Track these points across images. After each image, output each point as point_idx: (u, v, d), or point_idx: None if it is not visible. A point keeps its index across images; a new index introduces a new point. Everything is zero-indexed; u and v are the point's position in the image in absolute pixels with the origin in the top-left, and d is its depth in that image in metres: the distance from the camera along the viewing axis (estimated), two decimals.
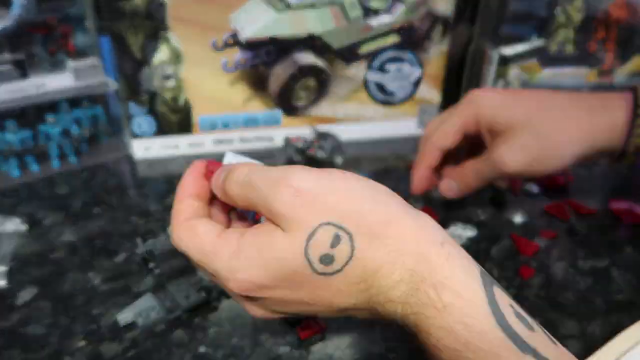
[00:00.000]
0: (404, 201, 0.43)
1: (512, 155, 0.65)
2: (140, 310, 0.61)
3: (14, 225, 0.78)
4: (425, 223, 0.41)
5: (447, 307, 0.36)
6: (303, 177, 0.41)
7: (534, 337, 0.36)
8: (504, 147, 0.65)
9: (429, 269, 0.38)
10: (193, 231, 0.46)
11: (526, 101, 0.66)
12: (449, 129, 0.68)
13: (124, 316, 0.61)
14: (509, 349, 0.35)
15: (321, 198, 0.40)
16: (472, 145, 0.72)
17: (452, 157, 0.74)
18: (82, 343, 0.59)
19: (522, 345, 0.35)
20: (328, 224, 0.39)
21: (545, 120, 0.64)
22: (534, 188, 0.84)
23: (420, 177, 0.73)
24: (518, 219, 0.79)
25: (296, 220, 0.40)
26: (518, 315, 0.37)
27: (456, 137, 0.69)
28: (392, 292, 0.39)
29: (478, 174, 0.69)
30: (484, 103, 0.67)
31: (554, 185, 0.87)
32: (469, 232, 0.75)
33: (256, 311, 0.47)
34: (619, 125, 0.64)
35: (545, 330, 0.39)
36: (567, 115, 0.64)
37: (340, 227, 0.39)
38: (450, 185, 0.72)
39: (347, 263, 0.39)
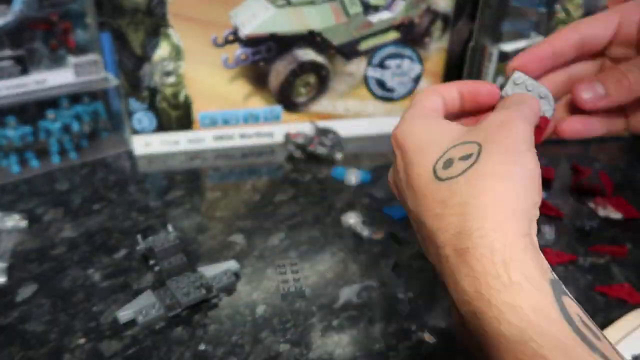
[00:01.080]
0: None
1: None
2: (140, 308, 0.62)
3: (14, 221, 0.78)
4: (529, 213, 0.38)
5: (514, 285, 0.34)
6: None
7: (602, 344, 0.33)
8: None
9: (503, 245, 0.35)
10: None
11: None
12: (599, 16, 0.51)
13: (124, 313, 0.61)
14: (578, 344, 0.32)
15: (509, 137, 0.40)
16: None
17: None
18: (81, 340, 0.59)
19: (591, 346, 0.32)
20: (479, 144, 0.40)
21: None
22: (542, 194, 0.84)
23: (534, 55, 0.52)
24: None
25: (477, 127, 0.42)
26: (585, 324, 0.34)
27: (608, 25, 0.51)
28: (457, 239, 0.37)
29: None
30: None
31: (545, 178, 0.88)
32: None
33: (390, 173, 0.49)
34: None
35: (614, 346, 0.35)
36: None
37: (478, 153, 0.39)
38: (597, 90, 0.50)
39: (450, 178, 0.39)
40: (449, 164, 0.40)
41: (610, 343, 0.34)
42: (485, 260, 0.35)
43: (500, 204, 0.36)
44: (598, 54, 0.53)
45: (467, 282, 0.36)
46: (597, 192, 0.85)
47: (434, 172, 0.41)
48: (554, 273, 0.36)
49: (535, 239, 0.37)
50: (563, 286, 0.35)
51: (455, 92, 0.49)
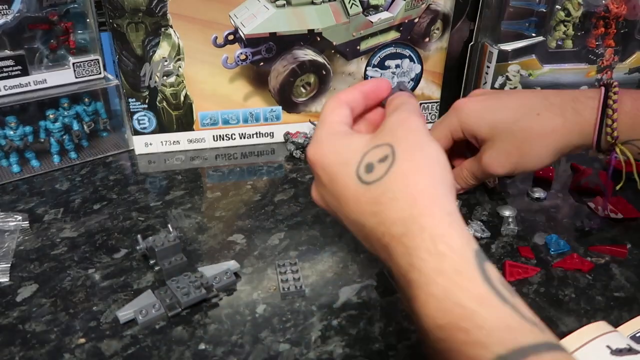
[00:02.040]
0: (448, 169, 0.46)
1: (497, 161, 0.71)
2: (140, 307, 0.62)
3: (16, 221, 0.78)
4: (447, 194, 0.44)
5: (440, 254, 0.39)
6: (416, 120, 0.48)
7: (516, 299, 0.38)
8: (489, 152, 0.71)
9: (432, 224, 0.41)
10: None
11: (504, 109, 0.71)
12: (436, 138, 0.66)
13: (124, 313, 0.61)
14: (491, 297, 0.37)
15: (411, 132, 0.47)
16: (469, 143, 0.76)
17: (459, 153, 0.80)
18: (82, 340, 0.59)
19: (504, 299, 0.38)
20: (390, 145, 0.45)
21: (522, 127, 0.69)
22: (542, 194, 0.84)
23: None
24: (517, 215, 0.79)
25: (381, 131, 0.48)
26: (503, 283, 0.39)
27: (445, 144, 0.75)
28: (393, 227, 0.42)
29: (472, 174, 0.76)
30: (466, 113, 0.72)
31: (544, 178, 0.89)
32: (482, 234, 0.76)
33: (313, 192, 0.54)
34: (589, 125, 0.68)
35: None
36: (542, 119, 0.68)
37: (393, 153, 0.44)
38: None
39: (376, 180, 0.44)
40: (370, 168, 0.45)
41: (521, 301, 0.39)
42: (417, 239, 0.41)
43: (424, 191, 0.42)
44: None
45: (402, 259, 0.41)
46: (597, 192, 0.84)
47: (359, 178, 0.46)
48: (477, 244, 0.41)
49: (458, 214, 0.43)
50: (484, 255, 0.41)
51: (357, 94, 0.54)
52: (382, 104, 0.55)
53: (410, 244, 0.41)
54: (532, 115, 0.68)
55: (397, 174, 0.43)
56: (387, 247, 0.43)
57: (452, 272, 0.39)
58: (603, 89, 0.67)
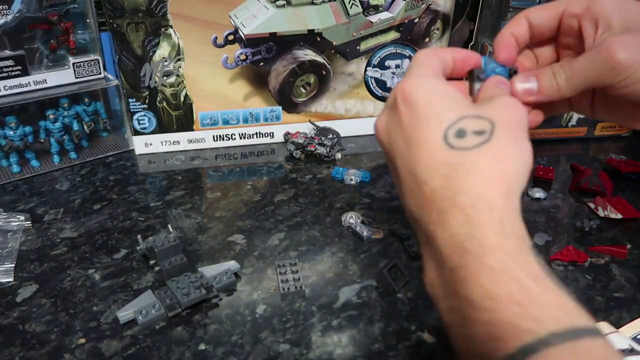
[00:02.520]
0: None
1: (626, 48, 0.47)
2: (140, 308, 0.62)
3: (19, 221, 0.78)
4: (518, 196, 0.42)
5: (505, 235, 0.39)
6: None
7: (566, 290, 0.39)
8: (617, 38, 0.48)
9: (502, 208, 0.40)
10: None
11: None
12: (546, 7, 0.54)
13: (124, 314, 0.61)
14: (547, 280, 0.38)
15: (515, 122, 0.44)
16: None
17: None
18: (82, 340, 0.59)
19: (558, 284, 0.38)
20: (492, 123, 0.43)
21: None
22: (542, 194, 0.84)
23: (503, 40, 0.54)
24: None
25: (487, 105, 0.45)
26: (555, 275, 0.39)
27: (552, 16, 0.53)
28: (461, 196, 0.41)
29: (575, 70, 0.50)
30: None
31: (544, 178, 0.89)
32: None
33: (380, 121, 0.49)
34: None
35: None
36: None
37: (492, 132, 0.42)
38: (530, 83, 0.52)
39: (464, 148, 0.42)
40: (461, 134, 0.43)
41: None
42: (483, 215, 0.39)
43: (503, 180, 0.41)
44: (551, 40, 0.56)
45: (461, 228, 0.40)
46: (596, 192, 0.84)
47: (445, 137, 0.43)
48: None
49: (518, 223, 0.41)
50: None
51: (449, 57, 0.51)
52: (465, 78, 0.52)
53: (475, 217, 0.40)
54: None
55: (487, 154, 0.42)
56: (443, 212, 0.41)
57: (514, 251, 0.38)
58: None
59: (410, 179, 0.45)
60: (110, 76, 0.96)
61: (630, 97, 0.49)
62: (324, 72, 0.98)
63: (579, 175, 0.88)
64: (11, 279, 0.68)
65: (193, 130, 0.99)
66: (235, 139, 1.02)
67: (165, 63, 0.92)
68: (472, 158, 0.41)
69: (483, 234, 0.39)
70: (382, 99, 1.03)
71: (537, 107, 0.54)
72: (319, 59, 0.97)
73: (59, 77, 0.91)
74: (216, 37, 0.92)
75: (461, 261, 0.39)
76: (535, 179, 0.89)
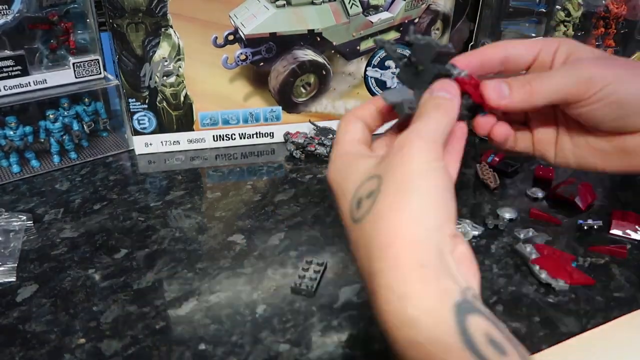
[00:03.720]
0: (451, 217, 0.40)
1: (600, 66, 0.49)
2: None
3: (21, 221, 0.78)
4: (431, 234, 0.38)
5: (411, 320, 0.35)
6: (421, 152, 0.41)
7: (512, 350, 0.34)
8: (592, 59, 0.51)
9: (398, 281, 0.36)
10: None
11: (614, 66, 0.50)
12: (525, 40, 0.54)
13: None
14: None
15: (406, 160, 0.40)
16: None
17: None
18: (82, 340, 0.59)
19: None
20: (379, 178, 0.40)
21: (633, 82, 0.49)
22: (539, 193, 0.84)
23: (465, 60, 0.51)
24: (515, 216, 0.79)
25: (384, 157, 0.42)
26: (492, 342, 0.34)
27: (529, 49, 0.53)
28: (370, 277, 0.38)
29: (548, 79, 0.49)
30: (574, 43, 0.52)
31: (544, 179, 0.88)
32: (476, 231, 0.76)
33: None
34: None
35: (525, 355, 0.36)
36: None
37: (378, 189, 0.40)
38: (501, 86, 0.49)
39: (360, 219, 0.40)
40: (359, 203, 0.41)
41: (524, 354, 0.35)
42: (386, 300, 0.36)
43: (397, 238, 0.37)
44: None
45: (379, 319, 0.37)
46: (569, 202, 0.82)
47: (351, 212, 0.42)
48: (467, 290, 0.36)
49: (443, 257, 0.37)
50: (476, 303, 0.36)
51: (372, 107, 0.49)
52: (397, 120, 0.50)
53: (383, 307, 0.36)
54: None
55: (375, 215, 0.39)
56: (371, 294, 0.39)
57: (427, 342, 0.34)
58: None
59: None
60: (110, 76, 0.96)
61: (595, 117, 0.49)
62: (324, 72, 0.98)
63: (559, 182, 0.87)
64: (14, 279, 0.68)
65: (193, 130, 0.99)
66: (235, 139, 1.02)
67: (165, 63, 0.92)
68: (366, 227, 0.39)
69: (393, 328, 0.36)
70: None
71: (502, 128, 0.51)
72: (319, 59, 0.97)
73: (59, 77, 0.91)
74: (216, 37, 0.92)
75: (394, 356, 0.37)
76: (536, 179, 0.89)
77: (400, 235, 0.37)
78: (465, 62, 0.50)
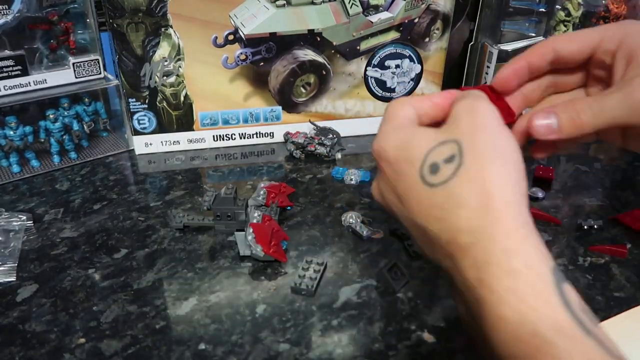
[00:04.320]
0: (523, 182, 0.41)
1: None
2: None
3: (21, 221, 0.78)
4: (521, 201, 0.39)
5: (514, 271, 0.36)
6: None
7: (598, 330, 0.35)
8: None
9: (504, 237, 0.37)
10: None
11: None
12: (577, 36, 0.50)
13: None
14: (574, 326, 0.34)
15: (480, 125, 0.42)
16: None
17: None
18: (82, 340, 0.59)
19: (587, 330, 0.34)
20: (457, 143, 0.41)
21: None
22: (540, 193, 0.84)
23: (511, 69, 0.51)
24: None
25: (448, 124, 0.44)
26: (584, 308, 0.36)
27: (583, 47, 0.50)
28: (460, 236, 0.39)
29: (599, 109, 0.46)
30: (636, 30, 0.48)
31: (544, 178, 0.89)
32: None
33: (374, 186, 0.49)
34: None
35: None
36: None
37: (460, 152, 0.40)
38: (549, 120, 0.48)
39: (442, 182, 0.40)
40: (435, 168, 0.41)
41: (603, 330, 0.35)
42: (486, 251, 0.37)
43: (495, 199, 0.38)
44: (579, 67, 0.52)
45: (470, 272, 0.38)
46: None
47: (423, 179, 0.42)
48: (554, 261, 0.37)
49: (532, 225, 0.38)
50: (563, 275, 0.36)
51: (425, 101, 0.49)
52: None
53: (480, 257, 0.37)
54: None
55: (465, 177, 0.39)
56: (452, 257, 0.40)
57: (529, 293, 0.35)
58: None
59: (414, 230, 0.44)
60: (110, 76, 0.96)
61: None
62: (324, 72, 0.98)
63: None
64: (13, 279, 0.68)
65: (193, 130, 0.99)
66: (235, 139, 1.02)
67: (165, 63, 0.92)
68: (453, 190, 0.40)
69: (491, 276, 0.36)
70: (382, 98, 1.03)
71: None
72: (319, 59, 0.97)
73: (59, 77, 0.91)
74: (216, 37, 0.92)
75: (480, 312, 0.37)
76: (535, 179, 0.89)
77: (497, 196, 0.38)
78: (512, 70, 0.51)
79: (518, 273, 0.35)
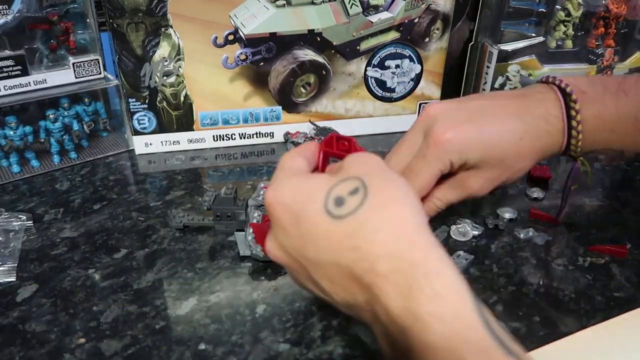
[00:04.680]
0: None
1: (486, 186, 0.66)
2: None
3: (21, 221, 0.78)
4: (426, 225, 0.42)
5: (437, 295, 0.36)
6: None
7: (516, 347, 0.36)
8: (476, 179, 0.66)
9: (423, 260, 0.38)
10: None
11: (490, 138, 0.64)
12: (425, 181, 0.64)
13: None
14: (497, 348, 0.35)
15: (376, 167, 0.46)
16: None
17: None
18: (82, 340, 0.59)
19: (508, 350, 0.35)
20: (359, 179, 0.43)
21: (509, 154, 0.64)
22: (540, 194, 0.84)
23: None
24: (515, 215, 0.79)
25: (343, 169, 0.46)
26: (501, 328, 0.37)
27: (432, 183, 0.65)
28: (378, 263, 0.39)
29: (447, 201, 0.68)
30: (458, 149, 0.63)
31: (543, 178, 0.89)
32: (476, 231, 0.76)
33: (269, 246, 0.50)
34: (559, 145, 0.65)
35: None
36: (524, 143, 0.64)
37: (364, 185, 0.42)
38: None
39: (351, 213, 0.41)
40: (340, 201, 0.42)
41: (520, 348, 0.37)
42: (408, 277, 0.37)
43: (406, 224, 0.40)
44: None
45: (394, 301, 0.38)
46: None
47: (329, 213, 0.42)
48: (465, 282, 0.38)
49: (443, 248, 0.40)
50: (475, 295, 0.38)
51: (312, 147, 0.53)
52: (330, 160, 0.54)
53: (402, 283, 0.38)
54: (517, 141, 0.64)
55: (374, 206, 0.41)
56: (370, 288, 0.40)
57: (452, 318, 0.35)
58: (563, 102, 0.63)
59: (325, 273, 0.44)
60: (110, 76, 0.96)
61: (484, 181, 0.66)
62: (324, 72, 0.98)
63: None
64: (13, 279, 0.68)
65: (193, 130, 0.99)
66: (235, 139, 1.02)
67: (165, 63, 0.92)
68: (364, 218, 0.41)
69: (416, 303, 0.36)
70: (382, 99, 1.03)
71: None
72: (319, 59, 0.97)
73: (59, 77, 0.91)
74: (216, 37, 0.92)
75: (406, 343, 0.37)
76: (532, 179, 0.89)
77: (408, 220, 0.41)
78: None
79: (441, 297, 0.36)
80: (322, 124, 1.00)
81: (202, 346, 0.58)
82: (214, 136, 1.01)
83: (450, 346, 0.35)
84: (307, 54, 0.96)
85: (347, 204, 0.42)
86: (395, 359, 0.41)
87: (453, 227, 0.76)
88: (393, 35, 0.98)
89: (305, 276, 0.47)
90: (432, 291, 0.36)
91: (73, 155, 0.97)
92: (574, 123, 0.63)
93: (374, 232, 0.40)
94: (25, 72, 0.88)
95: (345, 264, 0.41)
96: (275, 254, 0.49)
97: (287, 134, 1.00)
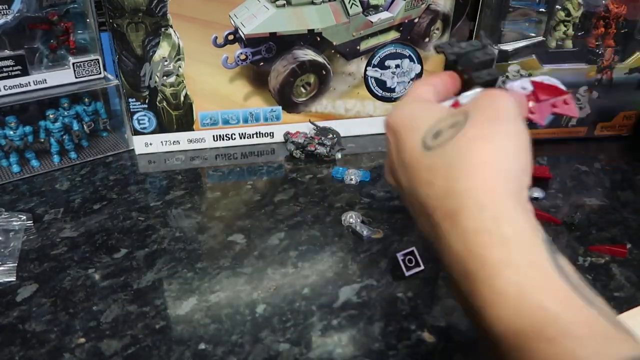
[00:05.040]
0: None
1: None
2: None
3: (21, 221, 0.78)
4: (519, 177, 0.38)
5: (507, 240, 0.34)
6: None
7: (598, 299, 0.33)
8: None
9: (493, 202, 0.35)
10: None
11: None
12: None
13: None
14: (574, 298, 0.32)
15: (494, 105, 0.40)
16: None
17: None
18: (82, 340, 0.59)
19: (588, 300, 0.32)
20: (466, 113, 0.40)
21: None
22: (540, 193, 0.84)
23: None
24: None
25: (465, 105, 0.42)
26: (580, 279, 0.34)
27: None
28: (446, 200, 0.37)
29: None
30: None
31: (543, 178, 0.89)
32: None
33: (385, 168, 0.49)
34: None
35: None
36: None
37: (465, 120, 0.39)
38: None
39: (437, 146, 0.39)
40: (438, 134, 0.40)
41: (602, 300, 0.34)
42: (475, 218, 0.35)
43: (488, 163, 0.36)
44: None
45: (458, 243, 0.35)
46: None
47: (423, 143, 0.40)
48: (545, 233, 0.36)
49: (526, 201, 0.37)
50: (554, 246, 0.35)
51: (447, 78, 0.49)
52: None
53: (468, 225, 0.35)
54: None
55: (462, 140, 0.38)
56: (437, 227, 0.37)
57: (525, 265, 0.33)
58: None
59: (409, 201, 0.43)
60: (110, 76, 0.96)
61: None
62: (324, 72, 0.98)
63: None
64: (13, 279, 0.68)
65: (193, 130, 0.99)
66: (235, 138, 1.02)
67: (165, 63, 0.92)
68: (448, 152, 0.38)
69: (482, 247, 0.34)
70: (382, 99, 1.03)
71: None
72: (319, 59, 0.97)
73: (59, 77, 0.91)
74: (216, 37, 0.92)
75: (472, 287, 0.34)
76: (533, 179, 0.88)
77: (492, 162, 0.37)
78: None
79: (510, 242, 0.34)
80: (322, 123, 1.00)
81: (202, 346, 0.58)
82: (214, 136, 1.01)
83: (524, 293, 0.32)
84: (307, 54, 0.96)
85: (441, 137, 0.39)
86: (466, 306, 0.38)
87: None
88: (393, 35, 0.98)
89: (404, 199, 0.45)
90: (501, 235, 0.34)
91: (73, 155, 0.97)
92: None
93: (449, 167, 0.37)
94: (25, 72, 0.88)
95: (420, 196, 0.40)
96: (388, 178, 0.48)
97: (287, 134, 1.00)
